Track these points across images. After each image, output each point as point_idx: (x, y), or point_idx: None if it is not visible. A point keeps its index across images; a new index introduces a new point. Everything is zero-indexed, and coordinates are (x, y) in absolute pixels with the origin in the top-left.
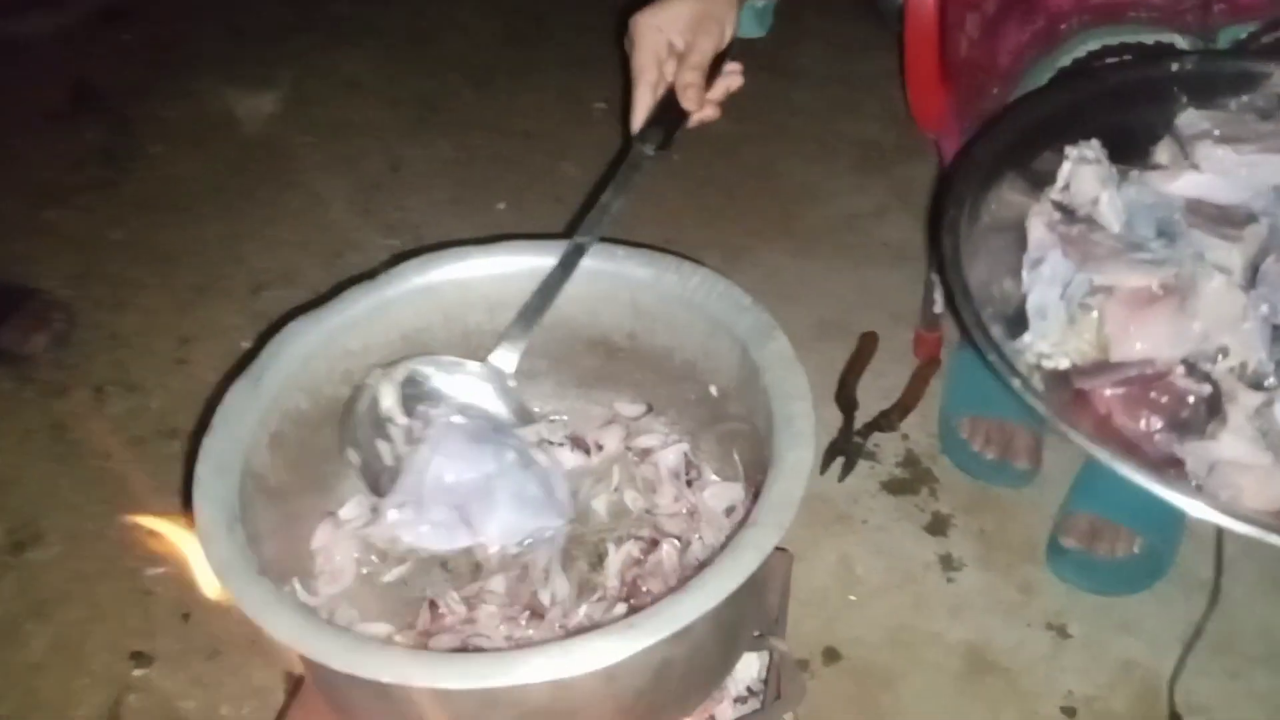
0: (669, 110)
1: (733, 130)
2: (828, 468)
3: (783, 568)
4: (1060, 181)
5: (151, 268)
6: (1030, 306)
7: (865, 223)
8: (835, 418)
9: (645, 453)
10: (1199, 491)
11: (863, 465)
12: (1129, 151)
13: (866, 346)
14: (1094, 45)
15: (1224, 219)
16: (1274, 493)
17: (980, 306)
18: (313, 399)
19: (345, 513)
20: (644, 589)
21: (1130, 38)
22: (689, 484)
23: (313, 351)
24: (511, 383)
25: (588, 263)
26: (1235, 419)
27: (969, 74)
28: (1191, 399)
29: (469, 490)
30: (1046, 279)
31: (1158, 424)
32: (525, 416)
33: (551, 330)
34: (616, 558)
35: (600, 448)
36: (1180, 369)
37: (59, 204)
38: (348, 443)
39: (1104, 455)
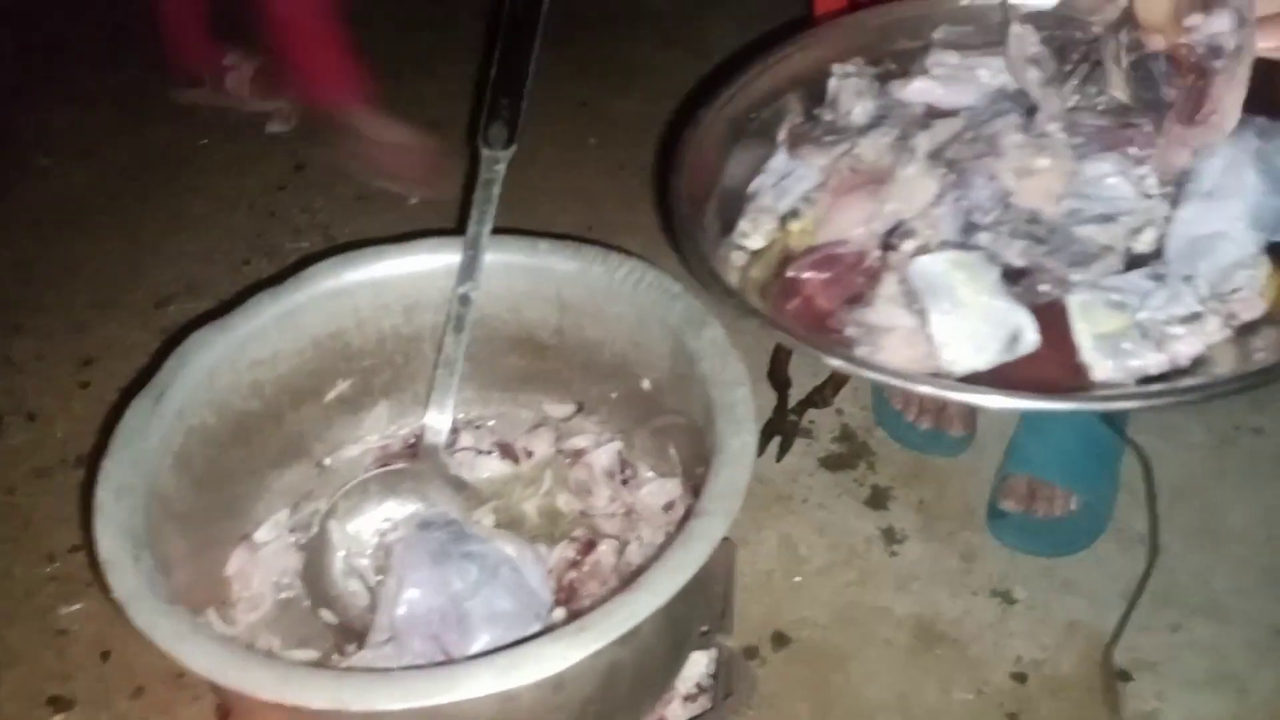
0: (506, 99)
1: (648, 110)
2: (765, 448)
3: (726, 558)
4: (828, 96)
5: (46, 287)
6: (746, 195)
7: None
8: (769, 398)
9: (577, 454)
10: (841, 349)
11: (800, 443)
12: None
13: None
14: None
15: (940, 116)
16: (914, 353)
17: (692, 209)
18: (220, 414)
19: (261, 535)
20: (581, 592)
21: None
22: (624, 483)
23: (218, 364)
24: (445, 457)
25: (508, 258)
26: (888, 286)
27: None
28: (873, 274)
29: (441, 618)
30: (768, 171)
31: (842, 298)
32: (470, 495)
33: (473, 331)
34: (551, 560)
35: (530, 454)
36: (877, 251)
37: None
38: (318, 604)
39: (774, 333)
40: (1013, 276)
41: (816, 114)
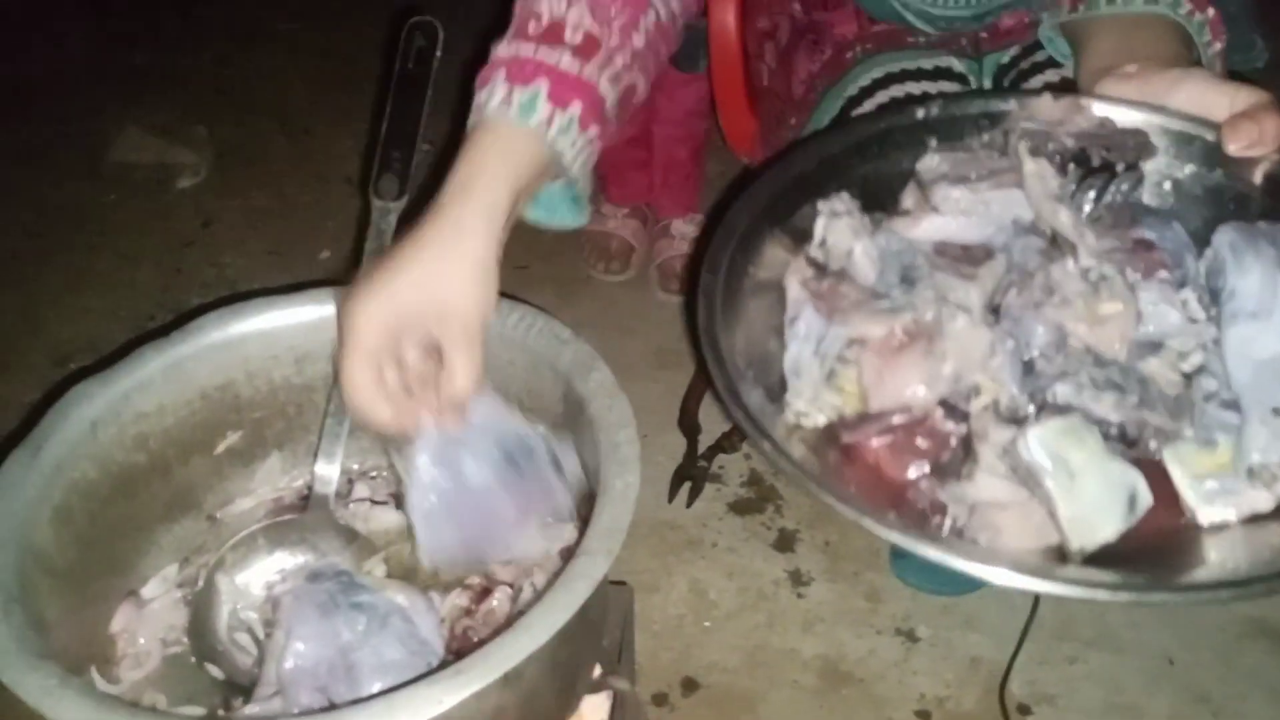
0: (397, 152)
1: None
2: (675, 494)
3: (623, 602)
4: (817, 237)
5: None
6: (786, 365)
7: None
8: (679, 444)
9: None
10: (956, 537)
11: (709, 489)
12: (884, 201)
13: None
14: (878, 73)
15: (966, 259)
16: (1032, 527)
17: (736, 373)
18: (102, 468)
19: (148, 591)
20: (475, 640)
21: (910, 63)
22: None
23: (101, 416)
24: (335, 507)
25: None
26: (987, 457)
27: (770, 102)
28: (952, 441)
29: (329, 670)
30: (801, 336)
31: (923, 469)
32: (362, 546)
33: None
34: (443, 608)
35: None
36: (939, 412)
37: None
38: (204, 658)
39: (851, 514)
40: (1108, 433)
41: (813, 259)
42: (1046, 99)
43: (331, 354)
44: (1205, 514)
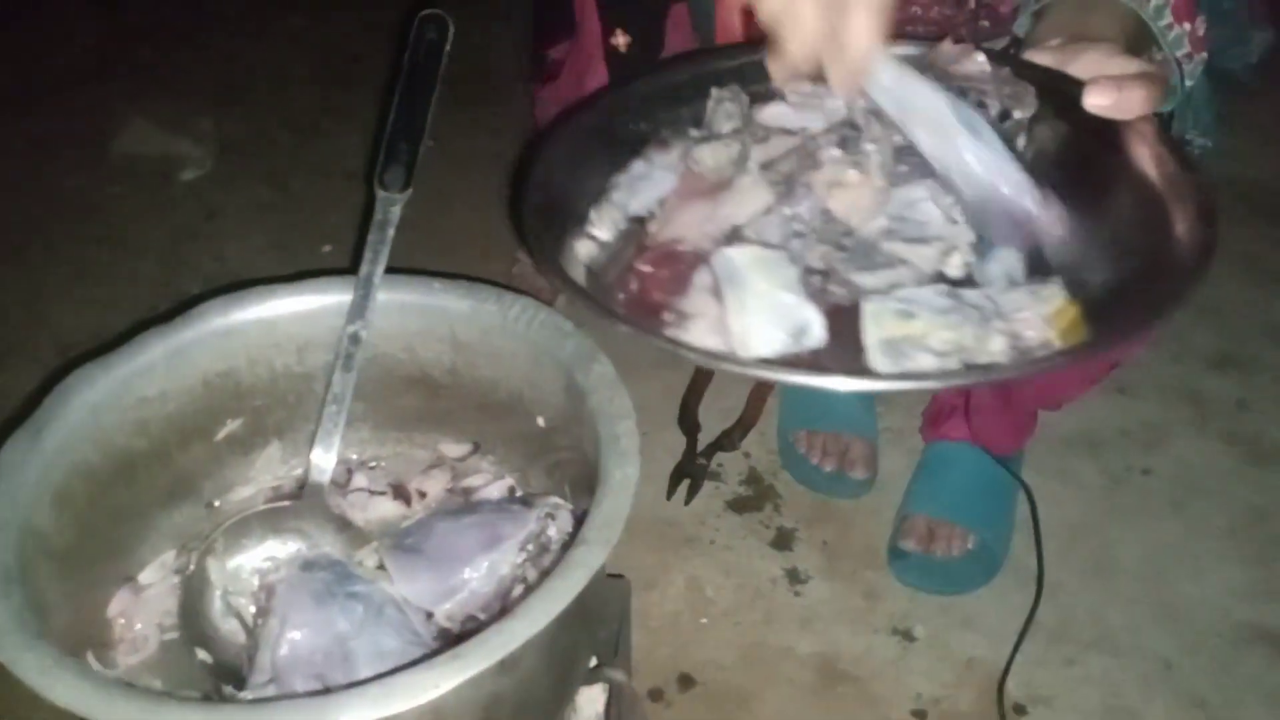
0: (404, 144)
1: None
2: (674, 492)
3: (620, 595)
4: (706, 117)
5: None
6: (605, 189)
7: None
8: (679, 442)
9: (468, 492)
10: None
11: (708, 486)
12: None
13: (705, 369)
14: None
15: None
16: (717, 340)
17: (547, 201)
18: (103, 452)
19: (146, 577)
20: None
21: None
22: None
23: (102, 401)
24: (330, 496)
25: (402, 297)
26: (702, 277)
27: None
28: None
29: (326, 658)
30: (627, 173)
31: (674, 292)
32: (355, 536)
33: (366, 370)
34: None
35: (423, 495)
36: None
37: None
38: (194, 643)
39: (600, 316)
40: (811, 278)
41: (693, 133)
42: (947, 44)
43: (339, 335)
44: (881, 370)
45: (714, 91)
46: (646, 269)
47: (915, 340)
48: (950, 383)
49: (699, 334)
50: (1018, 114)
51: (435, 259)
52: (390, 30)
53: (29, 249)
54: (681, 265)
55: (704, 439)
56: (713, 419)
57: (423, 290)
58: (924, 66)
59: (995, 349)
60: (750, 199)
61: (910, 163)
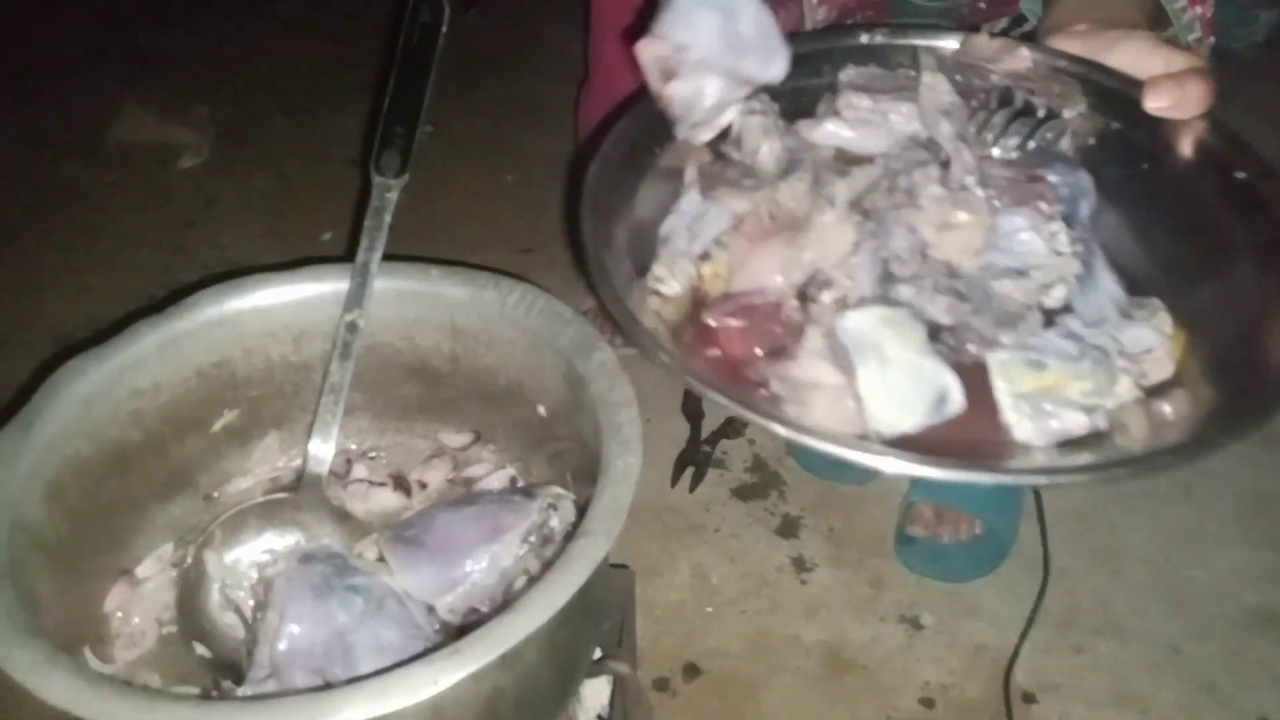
0: (400, 128)
1: (563, 147)
2: (678, 479)
3: (623, 586)
4: (732, 133)
5: None
6: (660, 235)
7: None
8: (683, 429)
9: (469, 482)
10: (767, 405)
11: (712, 474)
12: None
13: None
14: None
15: (854, 162)
16: (842, 410)
17: (606, 244)
18: (97, 444)
19: (143, 570)
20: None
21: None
22: None
23: (94, 393)
24: (328, 487)
25: (400, 284)
26: (813, 338)
27: None
28: (792, 325)
29: (325, 652)
30: (680, 211)
31: (761, 351)
32: (354, 528)
33: (365, 359)
34: None
35: (424, 486)
36: (794, 302)
37: None
38: (192, 637)
39: (688, 380)
40: (937, 334)
41: (724, 152)
42: (984, 38)
43: (336, 324)
44: (1020, 429)
45: (740, 105)
46: (727, 323)
47: (1052, 394)
48: (1111, 478)
49: (819, 409)
50: (1067, 113)
51: (433, 245)
52: (386, 13)
53: (23, 238)
54: (762, 318)
55: (708, 426)
56: (717, 406)
57: (420, 277)
58: (959, 64)
59: (1122, 392)
60: (835, 239)
61: (995, 185)
